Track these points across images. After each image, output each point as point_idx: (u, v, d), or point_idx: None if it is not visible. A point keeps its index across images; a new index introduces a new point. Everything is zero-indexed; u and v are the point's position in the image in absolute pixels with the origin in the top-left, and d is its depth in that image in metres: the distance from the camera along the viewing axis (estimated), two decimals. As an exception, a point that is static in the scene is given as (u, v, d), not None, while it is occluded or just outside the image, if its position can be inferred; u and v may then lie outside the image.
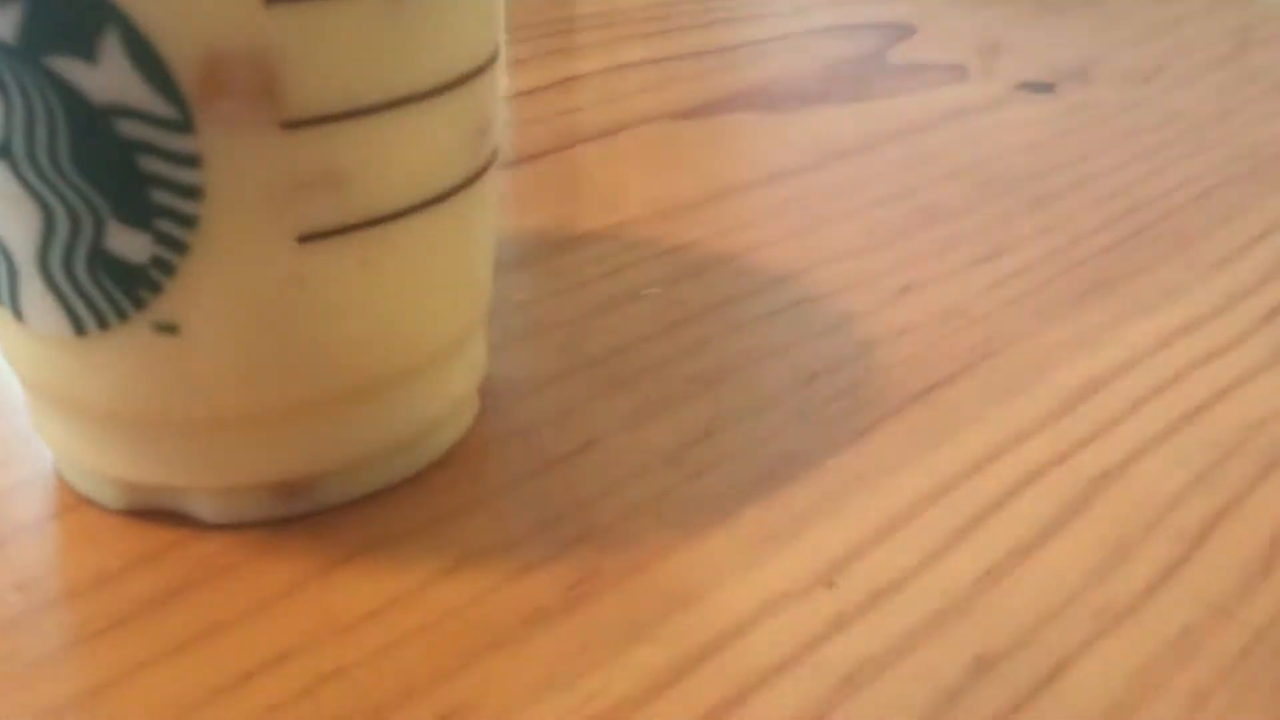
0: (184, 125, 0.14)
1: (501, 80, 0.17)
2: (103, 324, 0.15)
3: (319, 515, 0.17)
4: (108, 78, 0.13)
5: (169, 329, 0.15)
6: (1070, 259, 0.25)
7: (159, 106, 0.13)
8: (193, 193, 0.14)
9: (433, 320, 0.17)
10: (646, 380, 0.21)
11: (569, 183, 0.29)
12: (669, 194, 0.29)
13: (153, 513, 0.17)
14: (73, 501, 0.18)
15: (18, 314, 0.16)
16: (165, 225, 0.14)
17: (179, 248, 0.14)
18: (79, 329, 0.15)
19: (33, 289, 0.15)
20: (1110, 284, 0.24)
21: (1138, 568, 0.16)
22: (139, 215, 0.14)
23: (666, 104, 0.35)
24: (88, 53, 0.13)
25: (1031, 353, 0.22)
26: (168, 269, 0.15)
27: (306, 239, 0.15)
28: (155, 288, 0.15)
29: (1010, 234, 0.26)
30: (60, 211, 0.14)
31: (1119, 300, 0.23)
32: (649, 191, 0.29)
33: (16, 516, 0.17)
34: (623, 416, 0.20)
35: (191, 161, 0.14)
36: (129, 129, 0.14)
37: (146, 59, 0.13)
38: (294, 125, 0.14)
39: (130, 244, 0.14)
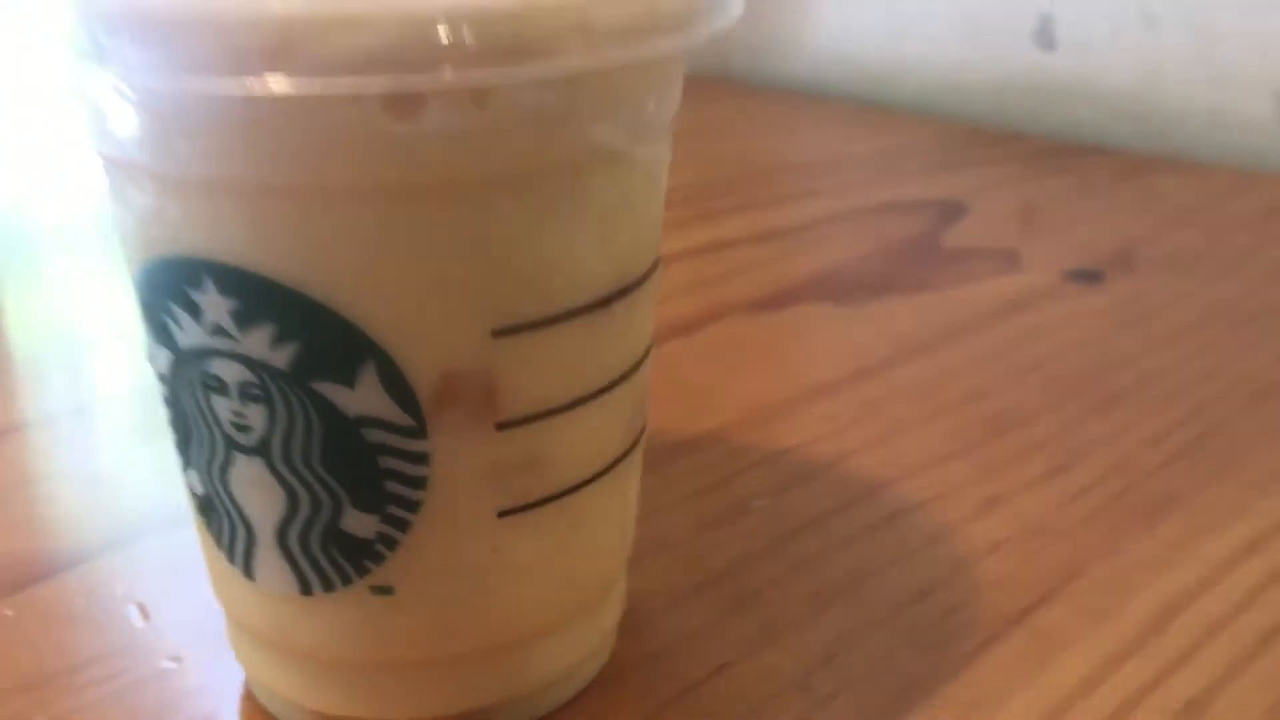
0: (418, 431, 0.16)
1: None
2: (328, 587, 0.17)
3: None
4: (361, 396, 0.16)
5: (385, 591, 0.17)
6: (1140, 469, 0.27)
7: (400, 418, 0.16)
8: (418, 483, 0.17)
9: (598, 569, 0.19)
10: (767, 599, 0.23)
11: (659, 383, 0.31)
12: (758, 395, 0.31)
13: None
14: (266, 724, 0.20)
15: (249, 574, 0.18)
16: (393, 509, 0.17)
17: (402, 526, 0.17)
18: (305, 591, 0.17)
19: (267, 556, 0.17)
20: (1178, 499, 0.26)
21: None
22: (373, 502, 0.17)
23: (740, 294, 0.38)
24: (348, 379, 0.16)
25: (1114, 572, 0.24)
26: (391, 544, 0.17)
27: (505, 514, 0.17)
28: (378, 559, 0.17)
29: (1081, 441, 0.28)
30: (304, 497, 0.17)
31: (1188, 516, 0.25)
32: (739, 392, 0.31)
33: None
34: (749, 639, 0.22)
35: (421, 459, 0.16)
36: (373, 435, 0.16)
37: (395, 382, 0.16)
38: (505, 426, 0.17)
39: (361, 524, 0.17)
